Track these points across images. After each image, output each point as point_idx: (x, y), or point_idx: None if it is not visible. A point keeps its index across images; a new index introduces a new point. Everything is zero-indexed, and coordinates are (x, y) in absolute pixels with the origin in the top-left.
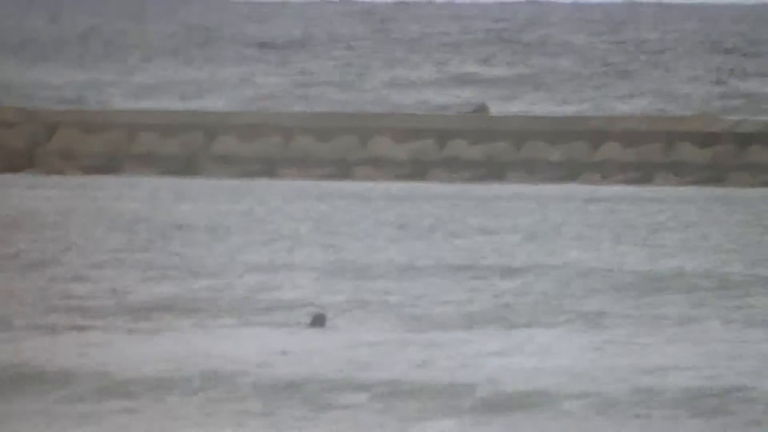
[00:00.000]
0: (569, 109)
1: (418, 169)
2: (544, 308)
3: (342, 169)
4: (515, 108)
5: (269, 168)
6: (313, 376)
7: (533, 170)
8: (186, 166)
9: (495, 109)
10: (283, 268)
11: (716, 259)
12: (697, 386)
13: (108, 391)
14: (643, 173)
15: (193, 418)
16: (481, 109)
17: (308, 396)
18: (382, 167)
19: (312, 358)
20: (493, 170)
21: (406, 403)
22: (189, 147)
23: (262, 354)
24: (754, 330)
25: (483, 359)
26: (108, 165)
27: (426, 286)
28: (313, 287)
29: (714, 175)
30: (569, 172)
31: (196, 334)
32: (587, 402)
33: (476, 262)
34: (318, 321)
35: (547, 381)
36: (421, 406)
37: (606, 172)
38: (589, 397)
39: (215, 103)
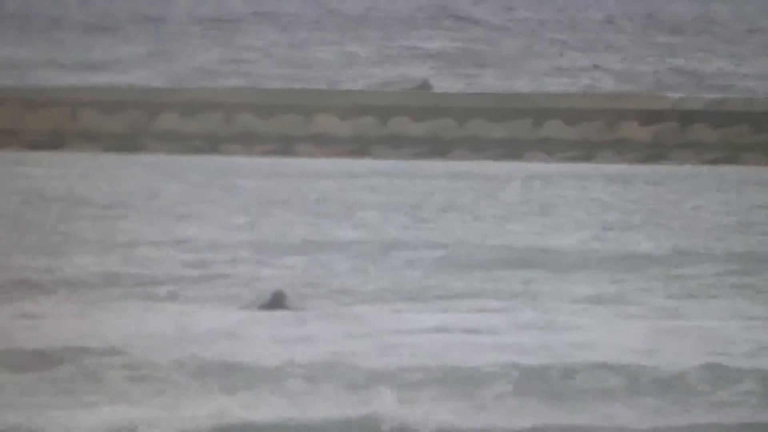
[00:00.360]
0: (513, 87)
1: (360, 146)
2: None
3: (285, 145)
4: (459, 85)
5: (211, 145)
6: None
7: (476, 148)
8: (128, 142)
9: (438, 86)
10: (223, 245)
11: (661, 235)
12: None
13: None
14: (585, 151)
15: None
16: (424, 86)
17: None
18: (325, 144)
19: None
20: (436, 147)
21: None
22: (131, 124)
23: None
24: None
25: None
26: (49, 141)
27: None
28: (253, 264)
29: (657, 152)
30: (512, 149)
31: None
32: None
33: (414, 238)
34: (277, 300)
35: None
36: None
37: (549, 149)
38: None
39: (157, 80)
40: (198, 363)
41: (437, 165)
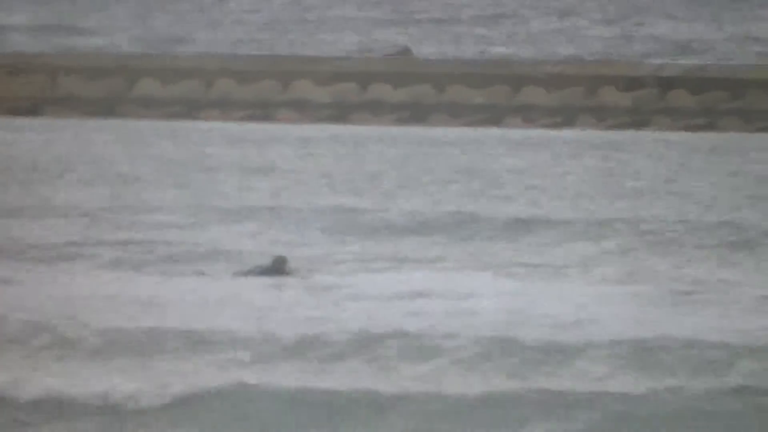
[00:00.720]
0: (493, 52)
1: (340, 112)
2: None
3: (263, 111)
4: (438, 50)
5: (189, 111)
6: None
7: (456, 114)
8: (108, 108)
9: (418, 51)
10: (199, 210)
11: (638, 203)
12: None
13: None
14: (565, 117)
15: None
16: (405, 51)
17: None
18: (303, 110)
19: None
20: (416, 113)
21: None
22: (111, 90)
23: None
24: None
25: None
26: (31, 108)
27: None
28: (223, 232)
29: (636, 119)
30: (492, 115)
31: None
32: None
33: (390, 207)
34: (278, 264)
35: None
36: None
37: (528, 115)
38: None
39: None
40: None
41: (418, 130)
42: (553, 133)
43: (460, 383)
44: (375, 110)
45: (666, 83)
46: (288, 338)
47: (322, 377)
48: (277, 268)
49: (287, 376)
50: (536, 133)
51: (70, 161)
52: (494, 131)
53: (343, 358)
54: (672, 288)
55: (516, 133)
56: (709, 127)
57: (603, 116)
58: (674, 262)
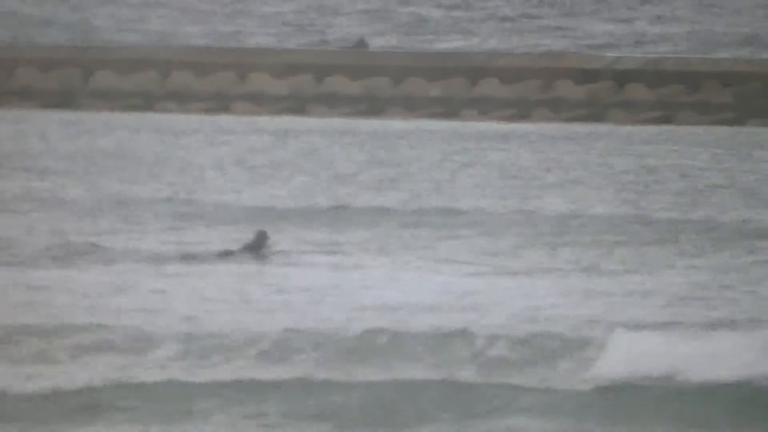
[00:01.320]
0: (449, 45)
1: (296, 105)
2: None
3: (220, 103)
4: (393, 43)
5: (147, 102)
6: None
7: (412, 106)
8: (65, 100)
9: (374, 44)
10: (150, 203)
11: (589, 197)
12: None
13: None
14: (521, 110)
15: None
16: (360, 44)
17: None
18: (260, 102)
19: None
20: (372, 106)
21: None
22: (67, 81)
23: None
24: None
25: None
26: None
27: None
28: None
29: (592, 112)
30: (448, 108)
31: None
32: None
33: (353, 200)
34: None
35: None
36: None
37: (484, 108)
38: None
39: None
40: None
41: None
42: (509, 125)
43: None
44: (331, 103)
45: (622, 76)
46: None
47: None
48: (260, 243)
49: None
50: (489, 126)
51: (24, 152)
52: (450, 123)
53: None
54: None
55: (472, 125)
56: (666, 120)
57: (559, 109)
58: None
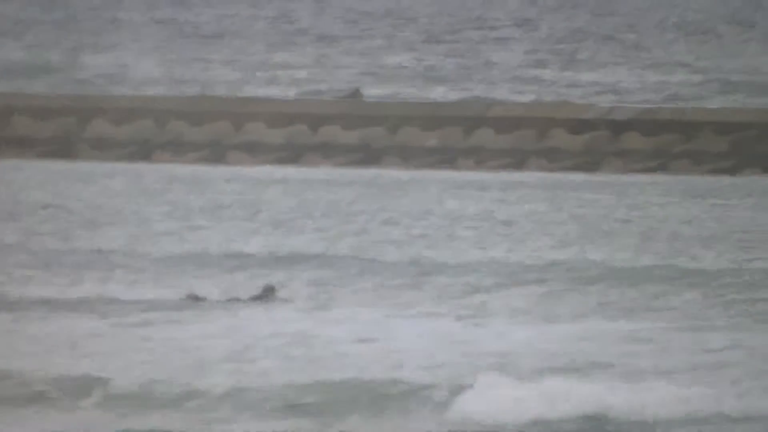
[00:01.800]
0: (445, 95)
1: (292, 154)
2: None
3: (216, 153)
4: (389, 92)
5: (143, 151)
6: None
7: (408, 156)
8: (61, 149)
9: (369, 93)
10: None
11: (582, 248)
12: None
13: None
14: (516, 159)
15: None
16: (355, 93)
17: None
18: (256, 152)
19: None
20: (368, 155)
21: None
22: (64, 130)
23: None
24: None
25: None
26: None
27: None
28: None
29: (588, 161)
30: (444, 157)
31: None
32: None
33: (333, 245)
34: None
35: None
36: None
37: (480, 157)
38: None
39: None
40: None
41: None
42: (505, 174)
43: None
44: (326, 152)
45: (617, 126)
46: None
47: None
48: (267, 295)
49: None
50: (486, 175)
51: (24, 202)
52: (447, 173)
53: None
54: None
55: (469, 175)
56: (661, 169)
57: (555, 158)
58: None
